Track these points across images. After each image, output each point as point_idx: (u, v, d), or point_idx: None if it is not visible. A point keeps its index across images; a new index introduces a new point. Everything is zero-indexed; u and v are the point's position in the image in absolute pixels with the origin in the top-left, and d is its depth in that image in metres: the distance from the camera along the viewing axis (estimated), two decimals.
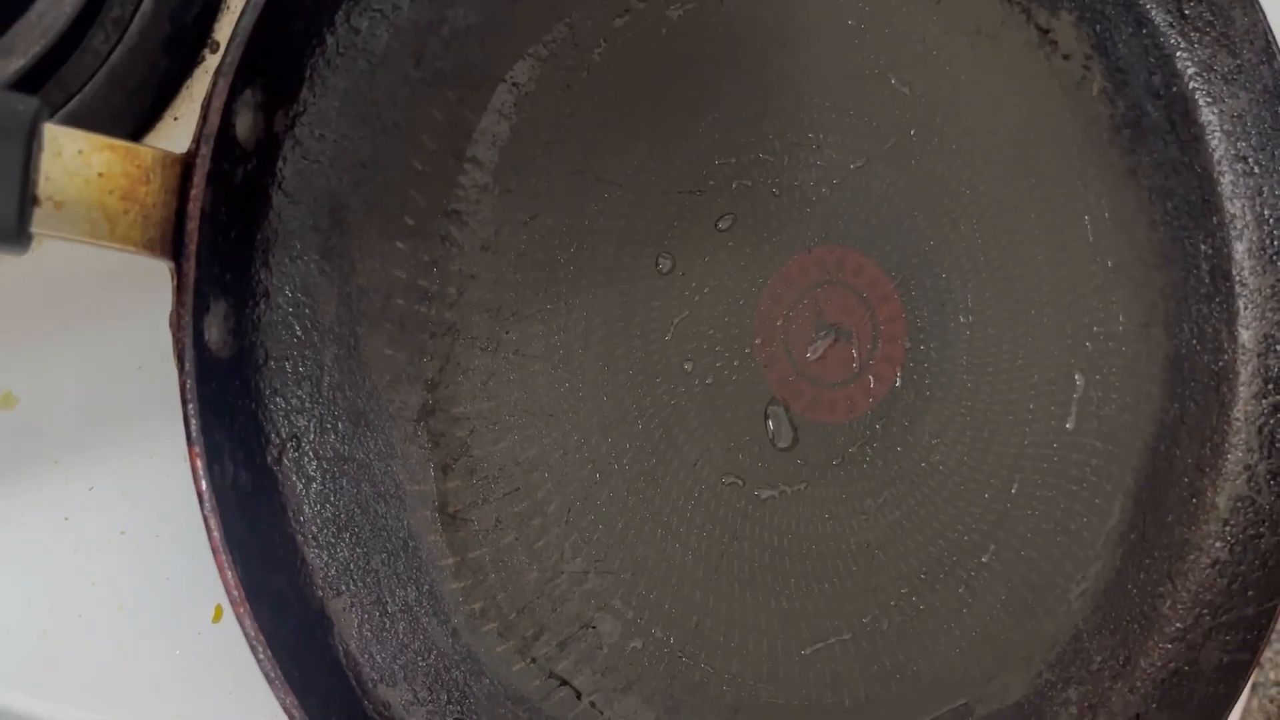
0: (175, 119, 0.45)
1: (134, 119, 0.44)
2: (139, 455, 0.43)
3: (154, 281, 0.36)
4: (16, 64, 0.39)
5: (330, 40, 0.39)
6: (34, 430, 0.44)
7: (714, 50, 0.44)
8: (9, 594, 0.43)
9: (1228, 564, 0.42)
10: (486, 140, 0.42)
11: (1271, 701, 0.52)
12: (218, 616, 0.43)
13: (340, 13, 0.39)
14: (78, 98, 0.41)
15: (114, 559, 0.43)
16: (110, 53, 0.42)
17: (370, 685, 0.37)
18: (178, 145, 0.34)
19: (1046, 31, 0.45)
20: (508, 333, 0.42)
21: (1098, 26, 0.44)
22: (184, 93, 0.45)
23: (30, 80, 0.40)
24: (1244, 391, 0.44)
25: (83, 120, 0.41)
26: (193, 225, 0.33)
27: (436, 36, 0.41)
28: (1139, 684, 0.42)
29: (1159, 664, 0.42)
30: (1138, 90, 0.44)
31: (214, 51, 0.45)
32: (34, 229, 0.30)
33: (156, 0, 0.42)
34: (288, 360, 0.38)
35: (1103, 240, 0.44)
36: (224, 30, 0.45)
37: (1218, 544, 0.43)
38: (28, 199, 0.29)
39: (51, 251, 0.44)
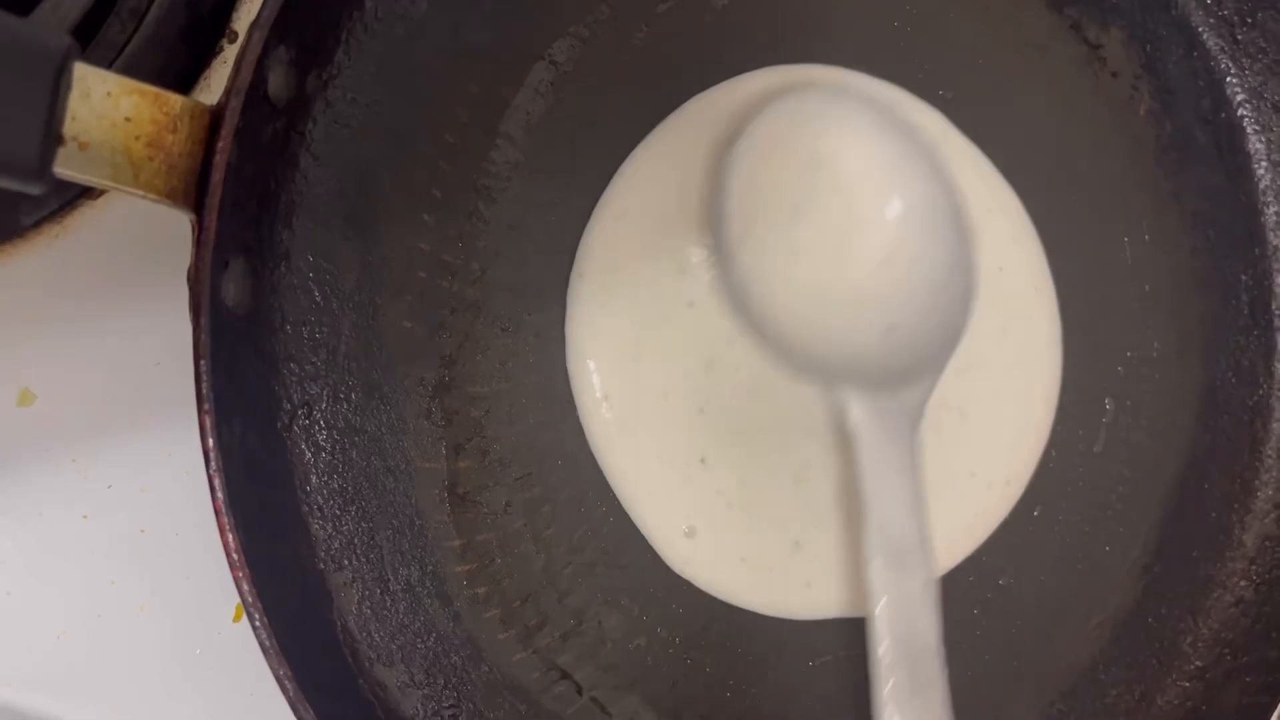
0: None
1: None
2: (158, 453, 0.43)
3: (171, 279, 0.35)
4: None
5: (369, 4, 0.39)
6: (52, 428, 0.43)
7: (756, 42, 0.43)
8: (28, 594, 0.43)
9: (1252, 603, 0.42)
10: (520, 117, 0.41)
11: None
12: (238, 616, 0.42)
13: None
14: None
15: (133, 558, 0.43)
16: (126, 44, 0.41)
17: (367, 664, 0.37)
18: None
19: (1096, 47, 0.44)
20: (529, 314, 0.41)
21: (1148, 46, 0.44)
22: (201, 84, 0.44)
23: None
24: (1278, 428, 0.43)
25: None
26: (217, 177, 0.32)
27: (477, 9, 0.41)
28: None
29: (1176, 702, 0.41)
30: (1186, 113, 0.44)
31: (232, 42, 0.44)
32: (57, 168, 0.29)
33: None
34: (304, 325, 0.37)
35: (1141, 263, 0.43)
36: (242, 20, 0.44)
37: (1243, 582, 0.42)
38: (52, 137, 0.29)
39: (67, 247, 0.43)
